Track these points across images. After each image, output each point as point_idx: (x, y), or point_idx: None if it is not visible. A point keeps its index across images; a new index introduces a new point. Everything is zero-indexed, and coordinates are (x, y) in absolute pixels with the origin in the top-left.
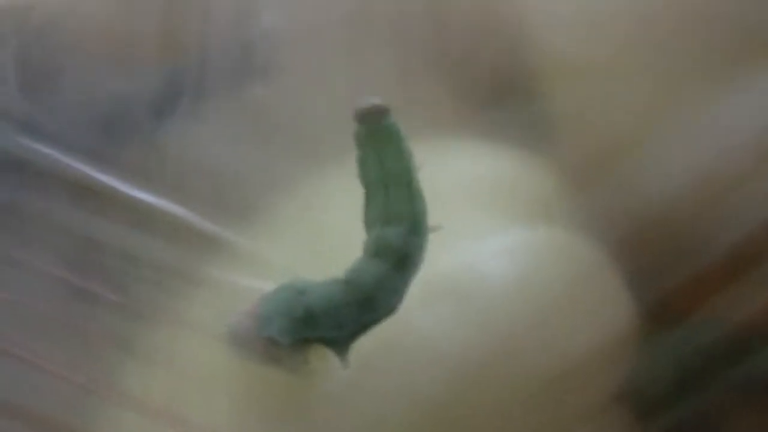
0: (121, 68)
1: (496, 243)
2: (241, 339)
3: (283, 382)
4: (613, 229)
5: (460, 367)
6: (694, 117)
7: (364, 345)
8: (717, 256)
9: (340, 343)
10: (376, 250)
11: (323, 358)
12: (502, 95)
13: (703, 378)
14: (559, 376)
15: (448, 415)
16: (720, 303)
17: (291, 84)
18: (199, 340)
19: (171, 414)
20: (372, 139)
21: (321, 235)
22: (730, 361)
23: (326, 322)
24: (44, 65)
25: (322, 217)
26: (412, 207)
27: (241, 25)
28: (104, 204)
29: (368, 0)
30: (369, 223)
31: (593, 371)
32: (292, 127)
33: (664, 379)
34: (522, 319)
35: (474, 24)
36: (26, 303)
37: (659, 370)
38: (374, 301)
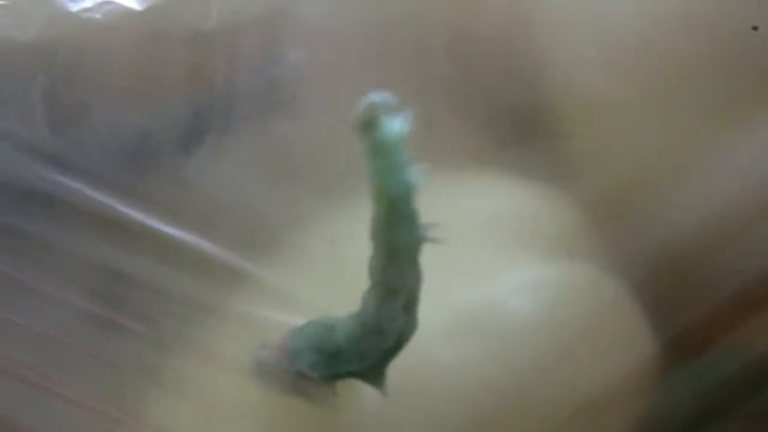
0: (148, 104)
1: (518, 278)
2: (269, 371)
3: (311, 414)
4: (633, 265)
5: (483, 401)
6: (711, 155)
7: (390, 379)
8: (734, 290)
9: (370, 374)
10: (372, 279)
11: (350, 390)
12: (524, 132)
13: (721, 410)
14: (581, 410)
15: None
16: (738, 336)
17: (315, 119)
18: (226, 373)
19: None
20: (374, 151)
21: (345, 269)
22: (748, 393)
23: (350, 356)
24: (72, 101)
25: (346, 251)
26: (391, 231)
27: (267, 61)
28: (132, 238)
29: (391, 39)
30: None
31: (614, 404)
32: (317, 161)
33: (684, 411)
34: (544, 354)
35: (495, 62)
36: (55, 335)
37: (679, 402)
38: (383, 329)
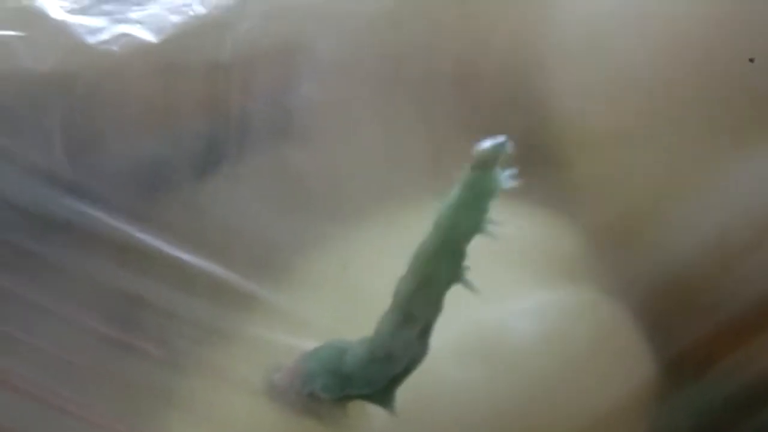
0: (163, 133)
1: (522, 303)
2: (281, 393)
3: None
4: (634, 289)
5: (489, 421)
6: (711, 183)
7: (399, 400)
8: (733, 313)
9: (379, 396)
10: (392, 302)
11: (361, 412)
12: (529, 160)
13: (720, 430)
14: (583, 430)
15: None
16: (736, 357)
17: (328, 148)
18: (239, 395)
19: None
20: (471, 190)
21: (357, 294)
22: (747, 414)
23: (360, 383)
24: (89, 131)
25: (358, 277)
26: (438, 263)
27: (281, 92)
28: (147, 263)
29: (400, 71)
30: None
31: (616, 425)
32: (329, 189)
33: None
34: (547, 376)
35: (501, 92)
36: (71, 357)
37: (679, 423)
38: (393, 355)
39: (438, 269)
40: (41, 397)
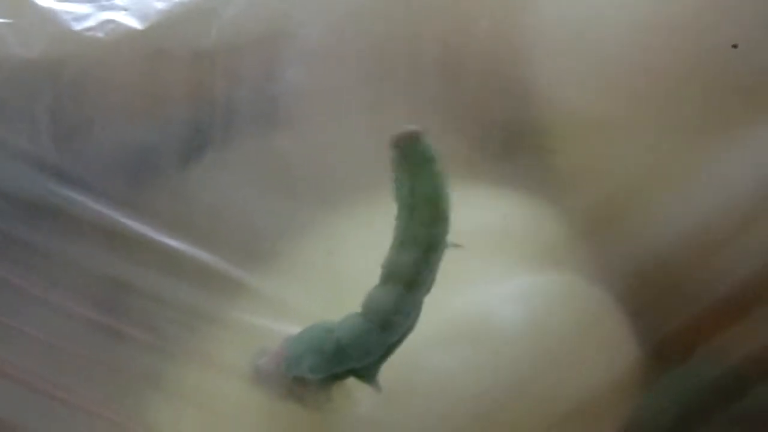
0: (149, 119)
1: (507, 288)
2: (266, 378)
3: (308, 420)
4: (618, 274)
5: (475, 406)
6: (696, 168)
7: (384, 385)
8: (717, 298)
9: (369, 371)
10: (388, 275)
11: (346, 396)
12: (514, 147)
13: (704, 414)
14: (568, 415)
15: None
16: (720, 342)
17: (313, 134)
18: (226, 379)
19: None
20: (405, 162)
21: (342, 279)
22: (730, 398)
23: (355, 353)
24: (76, 117)
25: (343, 262)
26: (431, 230)
27: (266, 79)
28: (134, 248)
29: (385, 57)
30: (393, 241)
31: (600, 409)
32: (314, 175)
33: (668, 416)
34: (532, 360)
35: (486, 79)
36: (59, 343)
37: (662, 407)
38: (392, 325)
39: (438, 235)
40: (29, 383)
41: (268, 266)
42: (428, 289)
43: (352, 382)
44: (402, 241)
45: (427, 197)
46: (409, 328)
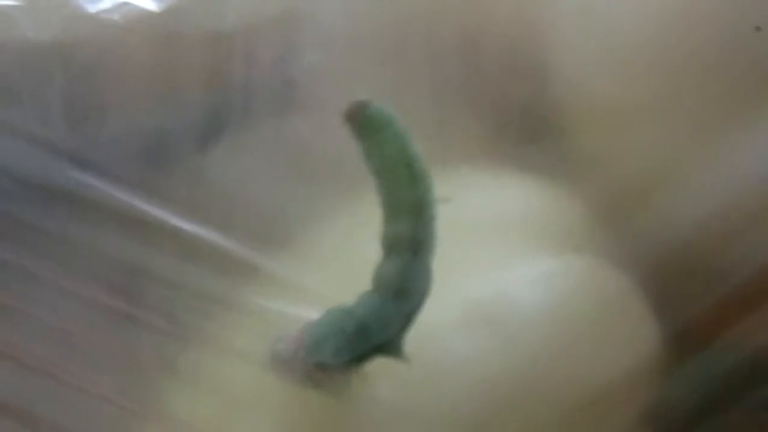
0: (165, 103)
1: (528, 272)
2: (285, 363)
3: (326, 405)
4: (638, 259)
5: (495, 391)
6: (715, 153)
7: (404, 369)
8: (738, 284)
9: (393, 344)
10: (389, 246)
11: (364, 380)
12: (533, 131)
13: (725, 401)
14: (588, 401)
15: None
16: (742, 328)
17: (331, 117)
18: (243, 365)
19: None
20: (364, 131)
21: (359, 264)
22: (752, 385)
23: (375, 328)
24: (90, 101)
25: (360, 246)
26: (413, 191)
27: (283, 61)
28: (150, 233)
29: (403, 39)
30: (383, 216)
31: (620, 395)
32: (332, 158)
33: (688, 403)
34: (552, 345)
35: (505, 62)
36: (75, 329)
37: (683, 394)
38: (406, 293)
39: (422, 193)
40: (44, 370)
41: (285, 251)
42: (432, 249)
43: (369, 366)
44: (391, 210)
45: (397, 159)
46: (425, 293)
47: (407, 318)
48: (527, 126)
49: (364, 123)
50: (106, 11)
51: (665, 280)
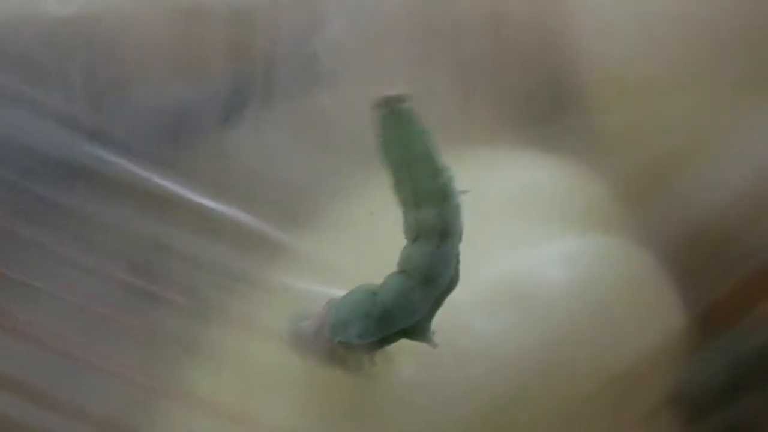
0: (188, 78)
1: (552, 251)
2: (308, 342)
3: (349, 384)
4: (663, 238)
5: (519, 370)
6: (743, 130)
7: (428, 348)
8: (764, 263)
9: (420, 329)
10: (418, 232)
11: (388, 360)
12: (558, 108)
13: (752, 380)
14: (614, 380)
15: (507, 417)
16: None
17: (354, 92)
18: (266, 343)
19: (238, 414)
20: (391, 121)
21: (384, 240)
22: None
23: (401, 313)
24: (112, 76)
25: (385, 223)
26: (438, 181)
27: (306, 36)
28: (172, 210)
29: (428, 14)
30: (402, 205)
31: (646, 375)
32: (356, 134)
33: (715, 382)
34: (578, 324)
35: (530, 38)
36: (95, 307)
37: (710, 373)
38: (434, 278)
39: (446, 181)
40: (65, 349)
41: (309, 227)
42: (459, 235)
43: (393, 346)
44: (414, 199)
45: (421, 153)
46: (452, 279)
47: (435, 304)
48: (552, 103)
49: (397, 112)
50: None
51: (691, 260)
